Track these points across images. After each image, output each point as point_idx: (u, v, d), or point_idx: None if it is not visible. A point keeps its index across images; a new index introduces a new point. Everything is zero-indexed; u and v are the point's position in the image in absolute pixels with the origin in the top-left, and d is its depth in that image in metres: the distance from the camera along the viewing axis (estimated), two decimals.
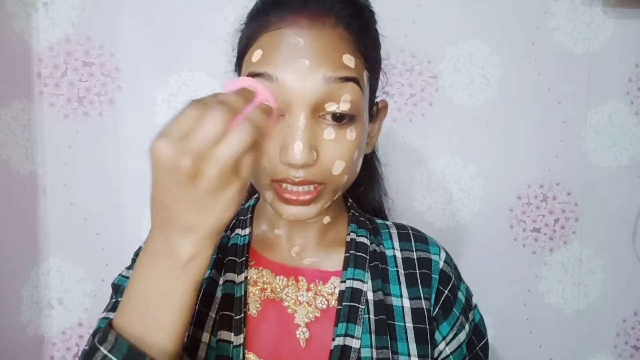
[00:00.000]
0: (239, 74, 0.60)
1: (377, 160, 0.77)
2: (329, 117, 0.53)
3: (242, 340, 0.55)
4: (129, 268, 0.63)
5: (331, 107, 0.52)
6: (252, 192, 0.74)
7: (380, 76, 0.63)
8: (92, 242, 0.99)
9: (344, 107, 0.53)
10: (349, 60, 0.54)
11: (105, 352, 0.43)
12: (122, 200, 0.99)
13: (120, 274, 0.63)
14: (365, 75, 0.57)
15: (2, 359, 0.89)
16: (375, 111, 0.64)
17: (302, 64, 0.51)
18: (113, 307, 0.60)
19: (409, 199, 1.05)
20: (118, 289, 0.62)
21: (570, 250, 1.11)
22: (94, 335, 0.57)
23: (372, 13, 0.60)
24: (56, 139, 0.97)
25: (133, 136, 0.98)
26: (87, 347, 0.46)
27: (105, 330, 0.45)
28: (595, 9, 1.06)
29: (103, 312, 0.60)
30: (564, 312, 1.11)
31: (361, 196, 0.74)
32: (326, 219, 0.63)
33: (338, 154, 0.54)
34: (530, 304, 1.10)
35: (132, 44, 0.97)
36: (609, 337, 1.13)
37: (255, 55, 0.54)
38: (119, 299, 0.59)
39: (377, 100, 0.64)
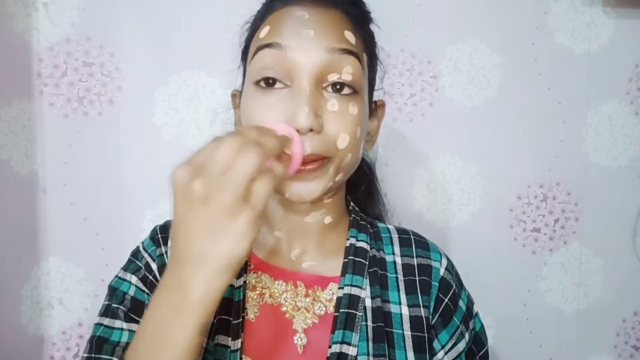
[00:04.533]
0: (245, 66, 0.61)
1: (376, 179, 0.79)
2: (330, 88, 0.55)
3: (239, 345, 0.55)
4: (125, 270, 0.63)
5: (333, 77, 0.55)
6: None
7: (378, 73, 0.65)
8: (92, 242, 0.99)
9: (345, 77, 0.55)
10: (350, 36, 0.57)
11: None
12: (122, 200, 0.99)
13: (116, 276, 0.63)
14: (365, 57, 0.59)
15: (2, 359, 0.89)
16: (374, 108, 0.64)
17: (308, 34, 0.54)
18: (106, 310, 0.60)
19: (409, 199, 1.05)
20: (114, 292, 0.61)
21: (570, 250, 1.11)
22: (90, 340, 0.57)
23: (367, 11, 0.63)
24: (56, 139, 0.97)
25: (133, 136, 0.98)
26: None
27: None
28: (595, 9, 1.06)
29: (98, 315, 0.60)
30: (564, 312, 1.11)
31: (360, 209, 0.74)
32: (327, 220, 0.62)
33: (342, 126, 0.55)
34: (530, 304, 1.10)
35: (132, 44, 0.97)
36: (609, 337, 1.13)
37: (263, 31, 0.57)
38: (113, 303, 0.59)
39: (376, 99, 0.65)
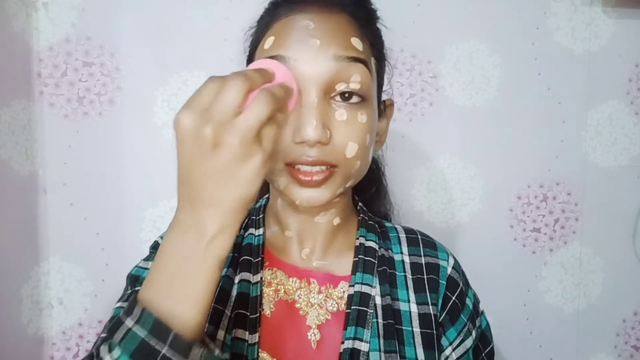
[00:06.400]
0: None
1: (383, 175, 0.79)
2: (339, 97, 0.55)
3: (256, 339, 0.56)
4: (147, 259, 0.64)
5: (341, 87, 0.54)
6: (263, 191, 0.74)
7: (386, 75, 0.65)
8: (92, 242, 0.99)
9: (353, 86, 0.54)
10: (357, 42, 0.56)
11: (131, 324, 0.42)
12: (122, 200, 0.99)
13: (137, 266, 0.64)
14: (373, 61, 0.58)
15: (2, 359, 0.89)
16: (383, 109, 0.64)
17: (314, 43, 0.53)
18: (129, 296, 0.60)
19: (409, 199, 1.05)
20: (136, 279, 0.61)
21: (570, 250, 1.11)
22: (110, 320, 0.57)
23: (374, 10, 0.63)
24: (56, 139, 0.97)
25: (133, 136, 0.98)
26: (110, 323, 0.46)
27: (131, 303, 0.44)
28: (595, 9, 1.06)
29: (118, 301, 0.61)
30: (564, 312, 1.11)
31: (367, 206, 0.74)
32: (336, 220, 0.63)
33: (351, 135, 0.55)
34: (530, 304, 1.10)
35: (132, 44, 0.97)
36: (609, 337, 1.13)
37: (268, 42, 0.56)
38: (136, 288, 0.59)
39: (384, 99, 0.65)
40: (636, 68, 1.09)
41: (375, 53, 0.60)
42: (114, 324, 0.44)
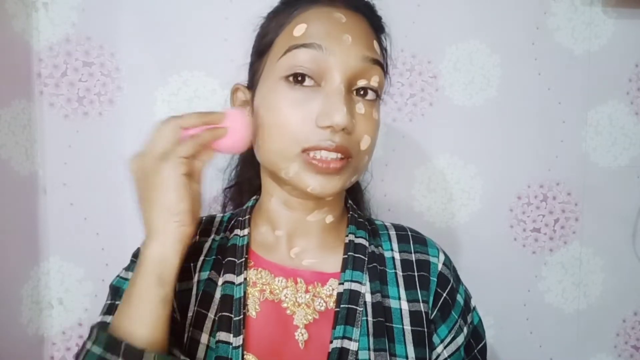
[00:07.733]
0: (260, 62, 0.61)
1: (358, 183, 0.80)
2: (355, 92, 0.58)
3: (241, 342, 0.55)
4: (127, 269, 0.63)
5: (362, 82, 0.57)
6: (252, 192, 0.74)
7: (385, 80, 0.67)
8: (92, 242, 0.99)
9: (373, 84, 0.58)
10: (376, 46, 0.59)
11: (89, 346, 0.49)
12: (122, 200, 0.99)
13: (118, 276, 0.63)
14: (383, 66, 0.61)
15: (2, 359, 0.89)
16: None
17: (346, 39, 0.56)
18: (109, 309, 0.60)
19: (409, 199, 1.05)
20: (117, 291, 0.61)
21: (570, 250, 1.11)
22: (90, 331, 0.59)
23: (384, 22, 0.66)
24: (56, 139, 0.97)
25: (133, 136, 0.98)
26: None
27: (91, 329, 0.51)
28: (595, 9, 1.06)
29: (100, 314, 0.60)
30: (564, 312, 1.11)
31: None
32: (329, 219, 0.63)
33: (367, 129, 0.57)
34: (530, 304, 1.10)
35: (132, 44, 0.97)
36: (609, 337, 1.13)
37: (299, 29, 0.57)
38: (116, 302, 0.60)
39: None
40: (636, 68, 1.09)
41: (384, 60, 0.63)
42: (79, 350, 0.50)
